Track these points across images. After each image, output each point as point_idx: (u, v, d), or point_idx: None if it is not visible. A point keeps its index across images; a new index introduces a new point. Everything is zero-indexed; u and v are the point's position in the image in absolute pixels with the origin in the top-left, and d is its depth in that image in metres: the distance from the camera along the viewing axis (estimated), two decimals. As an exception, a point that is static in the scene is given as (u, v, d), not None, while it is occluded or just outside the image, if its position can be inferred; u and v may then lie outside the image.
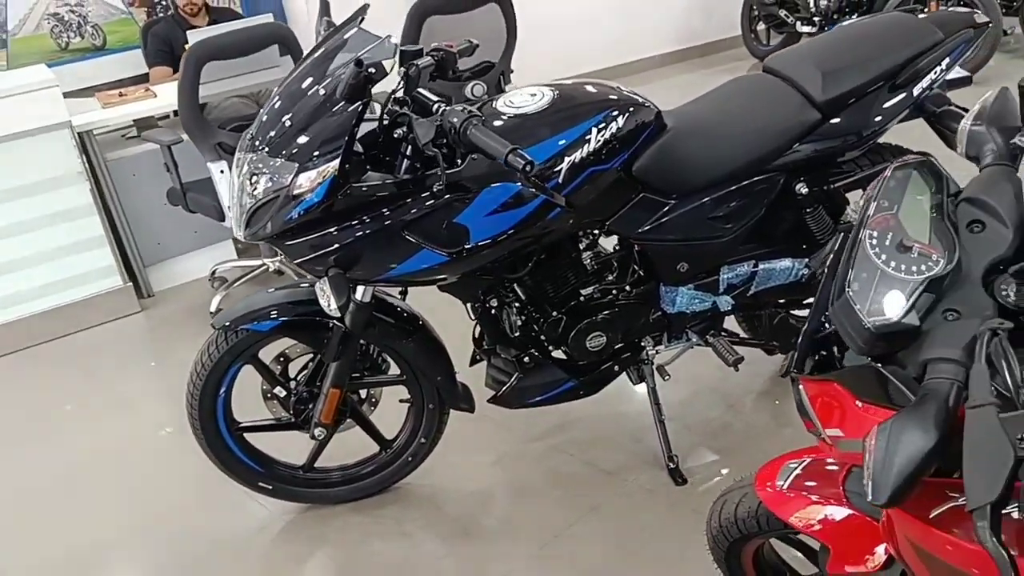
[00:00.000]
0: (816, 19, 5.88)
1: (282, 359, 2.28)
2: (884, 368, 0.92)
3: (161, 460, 2.75)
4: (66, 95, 3.62)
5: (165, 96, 3.93)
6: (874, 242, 0.91)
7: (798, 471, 1.36)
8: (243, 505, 2.45)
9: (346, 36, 1.91)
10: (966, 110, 2.30)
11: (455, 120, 1.73)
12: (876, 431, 0.81)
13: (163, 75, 4.42)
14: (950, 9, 2.37)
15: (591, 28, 6.34)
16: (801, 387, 1.06)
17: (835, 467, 1.33)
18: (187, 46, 4.27)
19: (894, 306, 0.87)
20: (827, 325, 1.00)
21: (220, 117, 3.90)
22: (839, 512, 1.27)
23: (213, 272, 3.95)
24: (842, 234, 1.14)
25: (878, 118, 2.20)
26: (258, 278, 3.83)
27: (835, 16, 5.82)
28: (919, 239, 0.91)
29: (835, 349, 1.02)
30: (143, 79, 4.49)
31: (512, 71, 4.02)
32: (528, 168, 1.64)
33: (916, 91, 2.21)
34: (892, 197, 0.95)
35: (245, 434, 2.32)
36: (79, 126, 3.62)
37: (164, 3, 4.96)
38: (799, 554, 1.54)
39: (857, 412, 0.94)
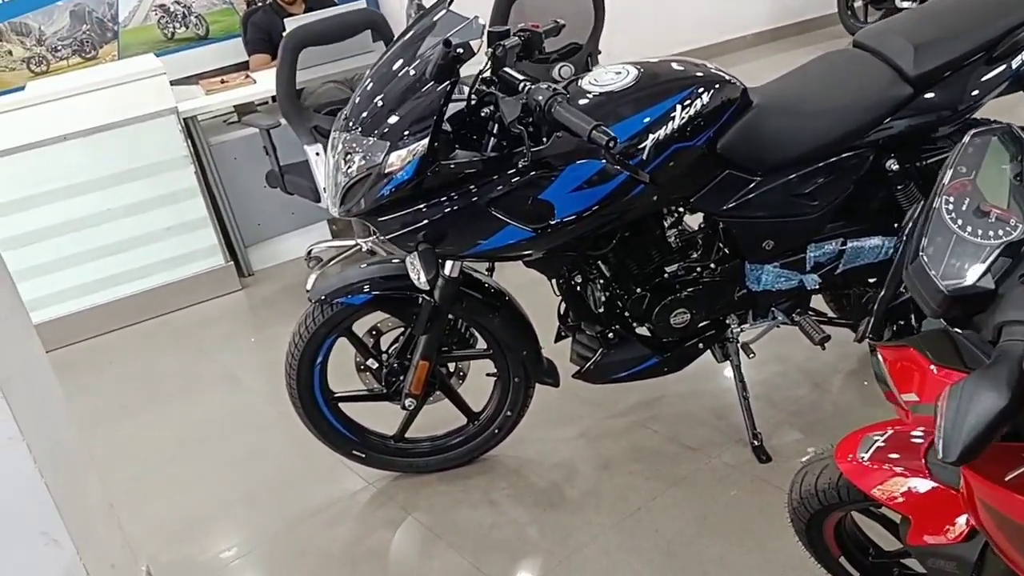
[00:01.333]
0: (916, -7, 5.68)
1: (374, 332, 2.37)
2: (960, 332, 0.92)
3: (264, 429, 2.89)
4: (172, 83, 3.80)
5: (264, 82, 4.08)
6: (950, 207, 0.92)
7: (879, 443, 1.36)
8: (338, 472, 2.56)
9: (435, 18, 1.97)
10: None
11: (540, 98, 1.77)
12: (948, 392, 0.83)
13: (262, 62, 4.58)
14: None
15: (681, 8, 6.27)
16: (879, 354, 1.07)
17: (918, 439, 1.33)
18: (284, 34, 4.46)
19: (969, 270, 0.88)
20: (904, 292, 1.01)
21: (316, 102, 4.02)
22: (921, 484, 1.27)
23: (309, 252, 4.10)
24: (921, 203, 1.15)
25: (975, 92, 2.15)
26: (351, 258, 3.95)
27: (937, -10, 5.60)
28: (997, 204, 0.91)
29: (912, 316, 1.02)
30: (244, 67, 4.66)
31: (600, 52, 4.03)
32: (611, 144, 1.67)
33: (1016, 63, 2.15)
34: (970, 163, 0.95)
35: (340, 404, 2.42)
36: (184, 112, 3.79)
37: (264, -8, 5.13)
38: (880, 527, 1.54)
39: (932, 376, 0.95)
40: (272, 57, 4.59)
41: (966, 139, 0.99)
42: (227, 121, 4.29)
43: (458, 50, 1.82)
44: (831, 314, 2.55)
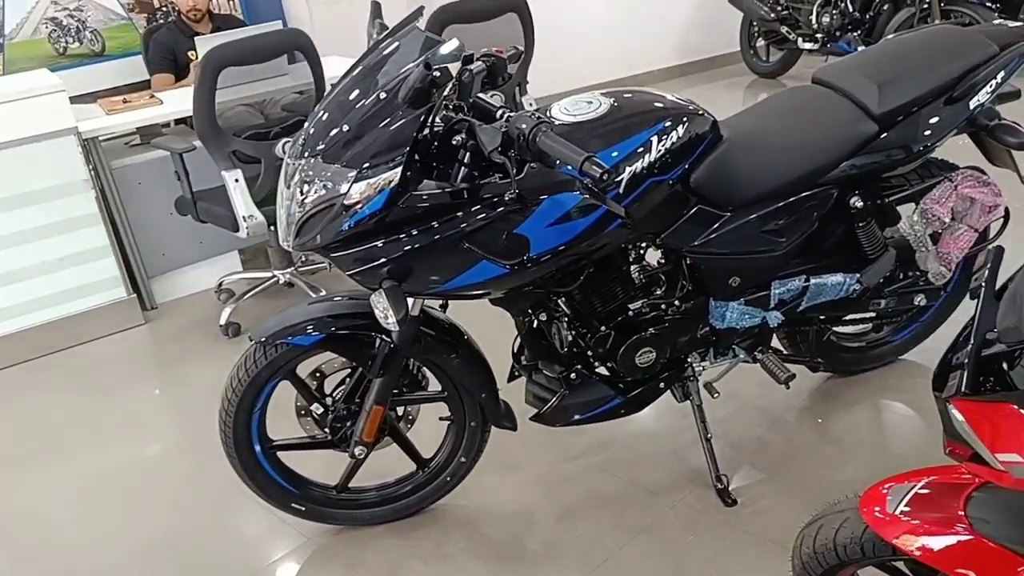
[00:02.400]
0: (818, 35, 5.88)
1: (318, 374, 2.19)
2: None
3: (179, 482, 2.64)
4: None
5: (172, 103, 3.83)
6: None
7: (911, 495, 1.29)
8: (272, 528, 2.35)
9: (405, 38, 1.84)
10: (1018, 124, 2.29)
11: (523, 126, 1.66)
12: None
13: (165, 82, 4.32)
14: (1005, 24, 2.33)
15: (592, 42, 6.32)
16: (954, 409, 0.99)
17: (953, 491, 1.27)
18: (192, 53, 4.22)
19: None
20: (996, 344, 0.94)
21: (226, 125, 3.79)
22: (962, 539, 1.21)
23: (220, 284, 3.84)
24: (995, 249, 1.09)
25: (935, 131, 2.17)
26: (267, 291, 3.72)
27: (837, 33, 5.82)
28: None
29: (1005, 367, 0.95)
30: (143, 86, 4.38)
31: (528, 82, 3.97)
32: (605, 176, 1.57)
33: (972, 104, 2.18)
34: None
35: (279, 453, 2.23)
36: (85, 133, 3.50)
37: (165, 9, 4.85)
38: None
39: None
40: (176, 77, 4.35)
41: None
42: (129, 144, 4.00)
43: (435, 73, 1.69)
44: (785, 351, 2.51)
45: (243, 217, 3.25)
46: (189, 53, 4.25)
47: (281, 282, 3.71)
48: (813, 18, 5.88)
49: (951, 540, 1.22)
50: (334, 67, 3.71)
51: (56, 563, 2.34)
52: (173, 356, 3.49)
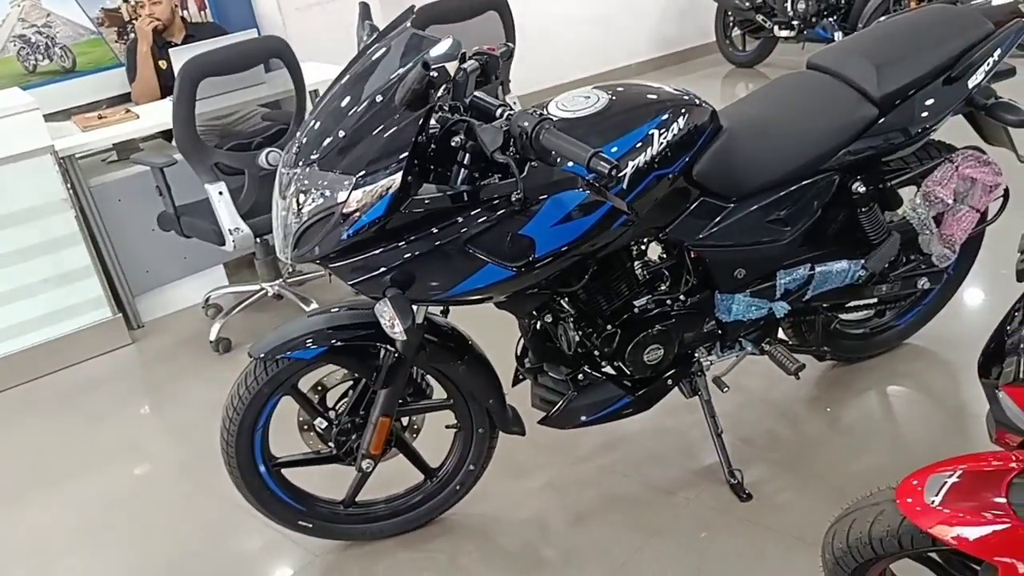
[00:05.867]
0: (795, 23, 5.87)
1: (320, 388, 2.14)
2: None
3: (180, 505, 2.57)
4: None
5: (149, 117, 3.75)
6: None
7: (950, 484, 1.26)
8: (277, 547, 2.29)
9: (397, 39, 1.79)
10: (1015, 101, 2.27)
11: (526, 124, 1.61)
12: None
13: (148, 89, 4.22)
14: (994, 0, 2.31)
15: (567, 39, 6.27)
16: (1007, 396, 0.95)
17: (991, 479, 1.24)
18: (162, 63, 4.13)
19: None
20: None
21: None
22: (1005, 527, 1.17)
23: (207, 300, 3.77)
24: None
25: (935, 112, 2.15)
26: (256, 304, 3.65)
27: (813, 19, 5.82)
28: None
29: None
30: (120, 100, 4.30)
31: (510, 81, 3.92)
32: (613, 172, 1.53)
33: (970, 83, 2.16)
34: None
35: (282, 470, 2.17)
36: (61, 151, 3.42)
37: (134, 22, 4.75)
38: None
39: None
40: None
41: None
42: (107, 160, 3.91)
43: (433, 74, 1.64)
44: (790, 342, 2.48)
45: (229, 230, 3.18)
46: (160, 63, 4.17)
47: (270, 294, 3.64)
48: (789, 5, 5.86)
49: (992, 528, 1.19)
50: (311, 74, 3.65)
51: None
52: (163, 375, 3.41)
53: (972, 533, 1.21)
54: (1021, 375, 0.91)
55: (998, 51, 2.16)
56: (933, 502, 1.26)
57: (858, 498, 1.44)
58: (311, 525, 2.21)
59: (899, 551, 1.36)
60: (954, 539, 1.22)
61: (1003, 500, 1.20)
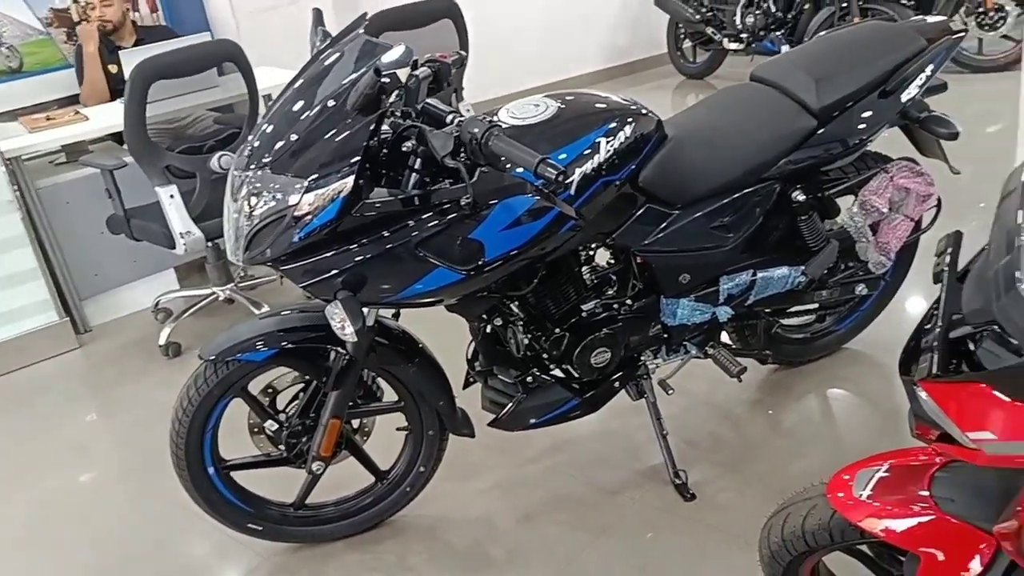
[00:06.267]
0: (743, 36, 6.00)
1: (270, 391, 2.15)
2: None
3: (124, 508, 2.55)
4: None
5: (98, 119, 3.71)
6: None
7: (876, 478, 1.32)
8: (224, 549, 2.29)
9: (350, 44, 1.81)
10: (947, 115, 2.36)
11: (476, 130, 1.65)
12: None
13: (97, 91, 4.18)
14: (928, 18, 2.41)
15: (518, 49, 6.34)
16: (920, 391, 1.01)
17: (915, 473, 1.30)
18: (113, 67, 4.10)
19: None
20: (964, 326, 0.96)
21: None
22: (929, 519, 1.24)
23: (157, 304, 3.74)
24: (954, 234, 1.12)
25: (871, 124, 2.23)
26: (207, 308, 3.63)
27: (761, 32, 5.95)
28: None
29: (971, 347, 0.98)
30: (69, 101, 4.25)
31: (463, 88, 3.95)
32: (560, 178, 1.57)
33: (904, 97, 2.24)
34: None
35: (232, 472, 2.17)
36: (7, 152, 3.38)
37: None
38: (866, 569, 1.50)
39: (1014, 414, 0.90)
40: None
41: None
42: (55, 162, 3.87)
43: (384, 80, 1.67)
44: (734, 345, 2.55)
45: (180, 233, 3.17)
46: (110, 67, 4.13)
47: (221, 299, 3.63)
48: (738, 19, 5.99)
49: (916, 520, 1.25)
50: (264, 78, 3.65)
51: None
52: (110, 379, 3.38)
53: (899, 525, 1.27)
54: (934, 371, 0.97)
55: (930, 66, 2.25)
56: (862, 496, 1.32)
57: (794, 493, 1.49)
58: (261, 528, 2.21)
59: (831, 544, 1.42)
60: (882, 531, 1.28)
61: (927, 493, 1.26)
